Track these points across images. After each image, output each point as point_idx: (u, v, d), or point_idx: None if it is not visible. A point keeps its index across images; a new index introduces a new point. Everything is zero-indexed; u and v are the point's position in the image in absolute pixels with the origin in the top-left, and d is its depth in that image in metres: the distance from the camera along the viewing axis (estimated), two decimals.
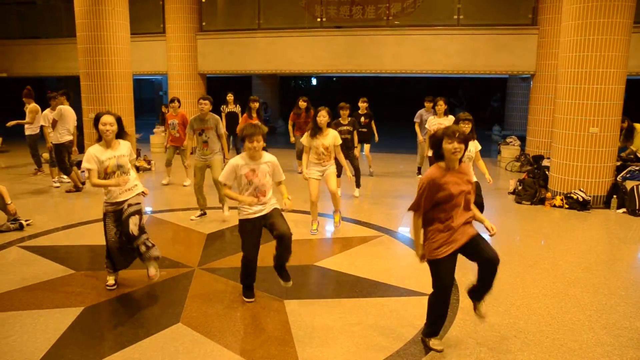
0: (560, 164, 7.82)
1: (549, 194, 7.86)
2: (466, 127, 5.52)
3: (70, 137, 8.47)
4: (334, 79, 25.39)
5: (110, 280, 4.62)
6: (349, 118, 8.25)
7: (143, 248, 4.36)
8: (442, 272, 3.41)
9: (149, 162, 10.60)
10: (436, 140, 3.39)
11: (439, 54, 11.28)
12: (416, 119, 9.63)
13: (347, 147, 8.01)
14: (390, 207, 7.65)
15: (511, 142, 11.22)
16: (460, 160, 3.46)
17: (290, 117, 9.81)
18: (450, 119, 8.08)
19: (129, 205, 4.40)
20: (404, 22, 11.57)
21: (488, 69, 11.26)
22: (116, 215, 4.43)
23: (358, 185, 8.43)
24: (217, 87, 12.66)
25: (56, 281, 4.79)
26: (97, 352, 3.55)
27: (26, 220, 6.44)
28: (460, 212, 3.40)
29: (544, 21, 10.51)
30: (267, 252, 5.44)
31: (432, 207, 3.40)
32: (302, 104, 9.51)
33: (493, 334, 3.82)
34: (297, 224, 6.65)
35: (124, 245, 4.44)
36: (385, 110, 19.28)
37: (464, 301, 4.35)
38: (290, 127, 9.80)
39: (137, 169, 10.19)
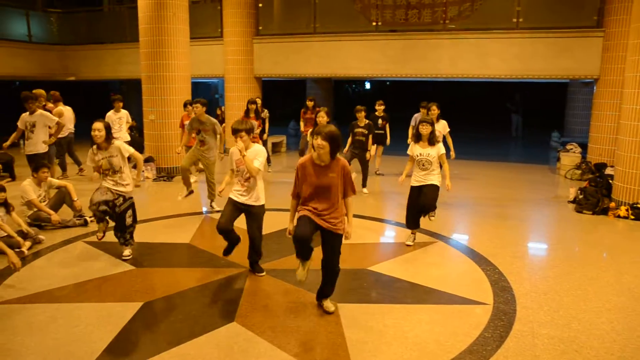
0: (626, 172, 7.45)
1: (612, 204, 7.50)
2: (424, 129, 5.68)
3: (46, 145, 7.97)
4: (388, 82, 25.25)
5: (100, 233, 5.39)
6: (366, 121, 8.54)
7: (128, 236, 5.42)
8: (298, 225, 3.91)
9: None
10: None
11: (495, 58, 11.00)
12: (412, 123, 9.61)
13: (361, 148, 8.42)
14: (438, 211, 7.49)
15: (571, 149, 10.80)
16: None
17: (301, 114, 10.66)
18: (442, 123, 8.52)
19: (124, 200, 5.31)
20: (461, 25, 11.34)
21: (547, 74, 10.88)
22: (104, 188, 5.24)
23: (364, 185, 8.76)
24: (271, 90, 12.83)
25: (118, 276, 5.00)
26: (155, 346, 3.68)
27: (90, 217, 6.70)
28: (321, 199, 3.88)
29: (610, 23, 10.05)
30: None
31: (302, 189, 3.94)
32: (309, 103, 10.48)
33: (552, 348, 3.67)
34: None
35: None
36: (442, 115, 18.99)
37: (521, 311, 4.23)
38: (302, 123, 10.51)
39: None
